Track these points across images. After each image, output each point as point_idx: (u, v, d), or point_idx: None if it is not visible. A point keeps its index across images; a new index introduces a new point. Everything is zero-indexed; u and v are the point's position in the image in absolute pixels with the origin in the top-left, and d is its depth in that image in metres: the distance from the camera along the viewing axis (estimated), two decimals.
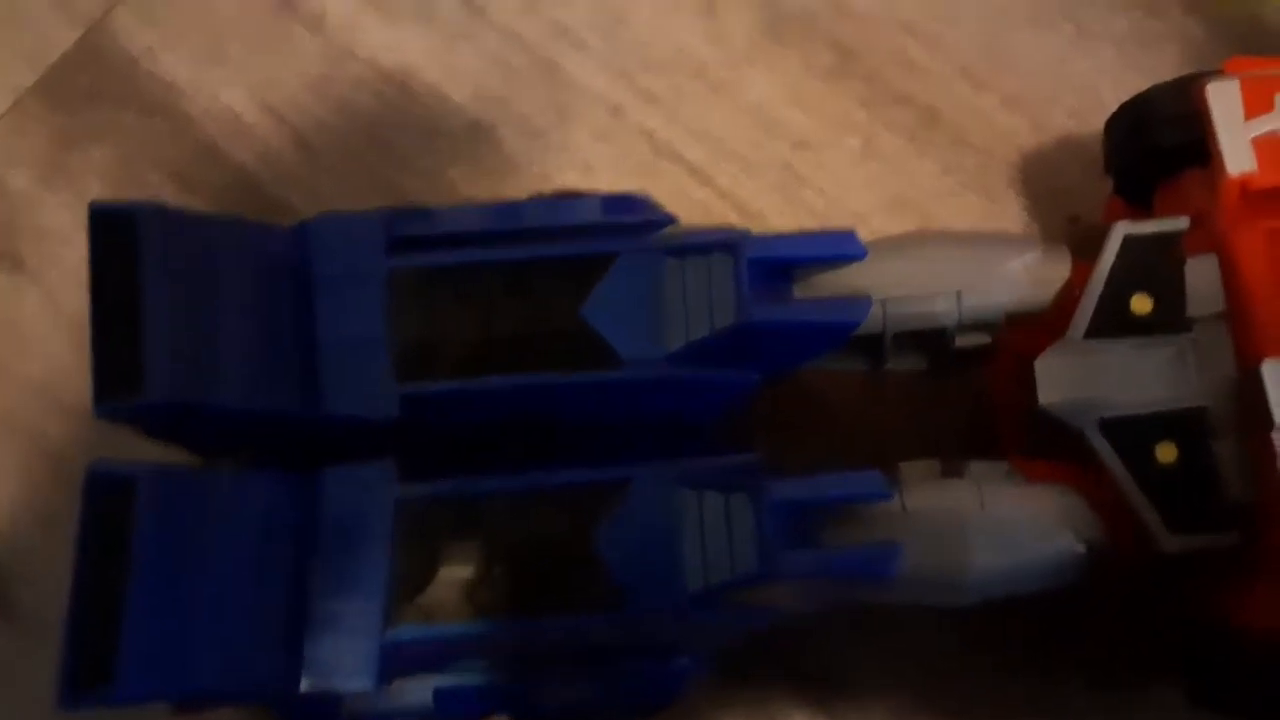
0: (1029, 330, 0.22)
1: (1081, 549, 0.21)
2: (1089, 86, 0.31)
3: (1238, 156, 0.21)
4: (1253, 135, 0.21)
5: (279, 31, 0.31)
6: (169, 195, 0.29)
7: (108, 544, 0.19)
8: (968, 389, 0.25)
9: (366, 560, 0.20)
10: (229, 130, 0.30)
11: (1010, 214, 0.30)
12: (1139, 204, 0.25)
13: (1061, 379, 0.21)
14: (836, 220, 0.27)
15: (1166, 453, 0.20)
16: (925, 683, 0.25)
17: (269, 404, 0.21)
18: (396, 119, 0.30)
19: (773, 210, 0.29)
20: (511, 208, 0.24)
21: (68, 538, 0.26)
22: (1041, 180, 0.30)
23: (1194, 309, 0.21)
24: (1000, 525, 0.21)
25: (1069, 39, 0.31)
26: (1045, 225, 0.29)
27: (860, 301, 0.21)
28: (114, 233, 0.20)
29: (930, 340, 0.23)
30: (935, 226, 0.29)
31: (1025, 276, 0.22)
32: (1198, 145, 0.22)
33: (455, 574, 0.21)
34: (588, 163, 0.30)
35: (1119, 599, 0.24)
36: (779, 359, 0.22)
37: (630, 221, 0.23)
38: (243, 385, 0.21)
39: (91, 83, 0.31)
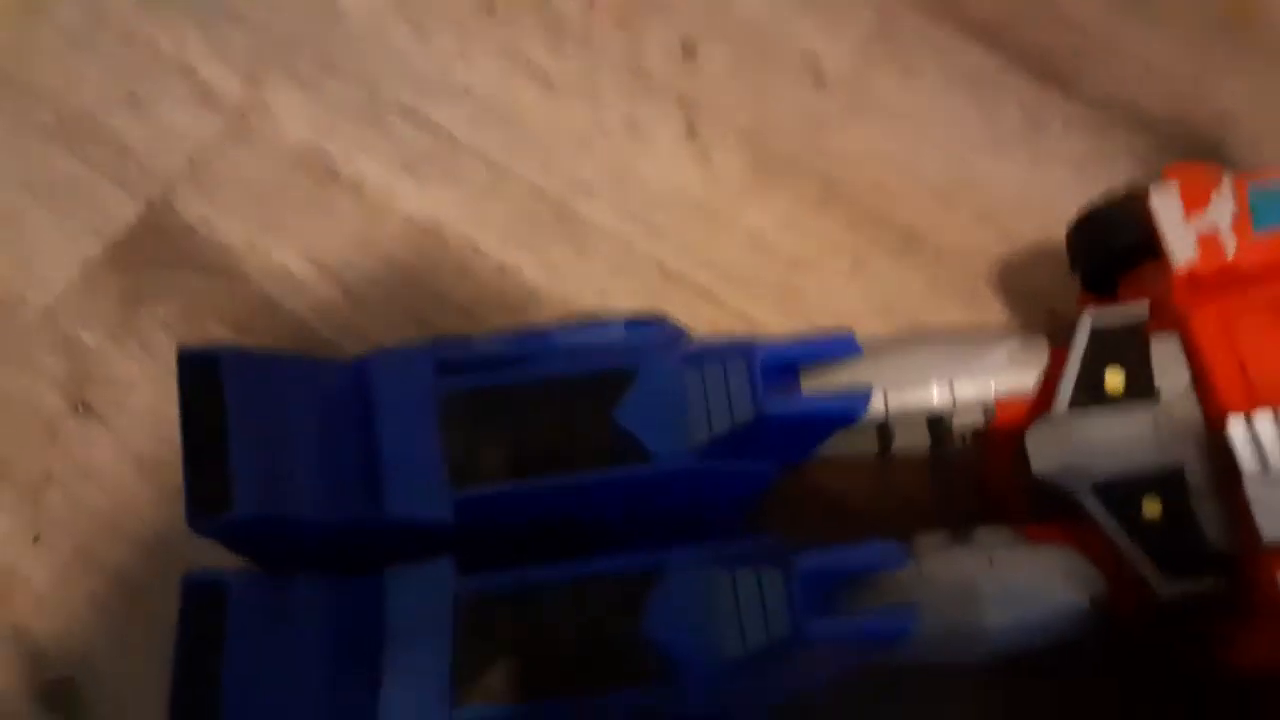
0: (1019, 411, 0.25)
1: (1085, 602, 0.23)
2: (1050, 201, 0.34)
3: (1182, 249, 0.24)
4: (1193, 231, 0.24)
5: (323, 198, 0.35)
6: (230, 342, 0.32)
7: (202, 646, 0.21)
8: (969, 469, 0.27)
9: (430, 651, 0.22)
10: (282, 285, 0.33)
11: (992, 315, 0.32)
12: (1106, 296, 0.28)
13: (1050, 447, 0.23)
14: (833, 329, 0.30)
15: (1152, 508, 0.23)
16: None
17: (340, 514, 0.23)
18: (431, 266, 0.33)
19: (775, 323, 0.32)
20: (542, 332, 0.27)
21: (143, 662, 0.28)
22: (1017, 284, 0.33)
23: (1162, 381, 0.24)
24: (1009, 583, 0.23)
25: (1027, 163, 0.35)
26: (1025, 322, 0.32)
27: (861, 391, 0.24)
28: (199, 372, 0.23)
29: (931, 427, 0.26)
30: (924, 329, 0.32)
31: (1008, 362, 0.25)
32: (1149, 242, 0.25)
33: (511, 661, 0.22)
34: (604, 290, 0.33)
35: (1132, 659, 0.26)
36: (792, 448, 0.24)
37: (653, 335, 0.26)
38: (316, 499, 0.23)
39: (154, 250, 0.34)
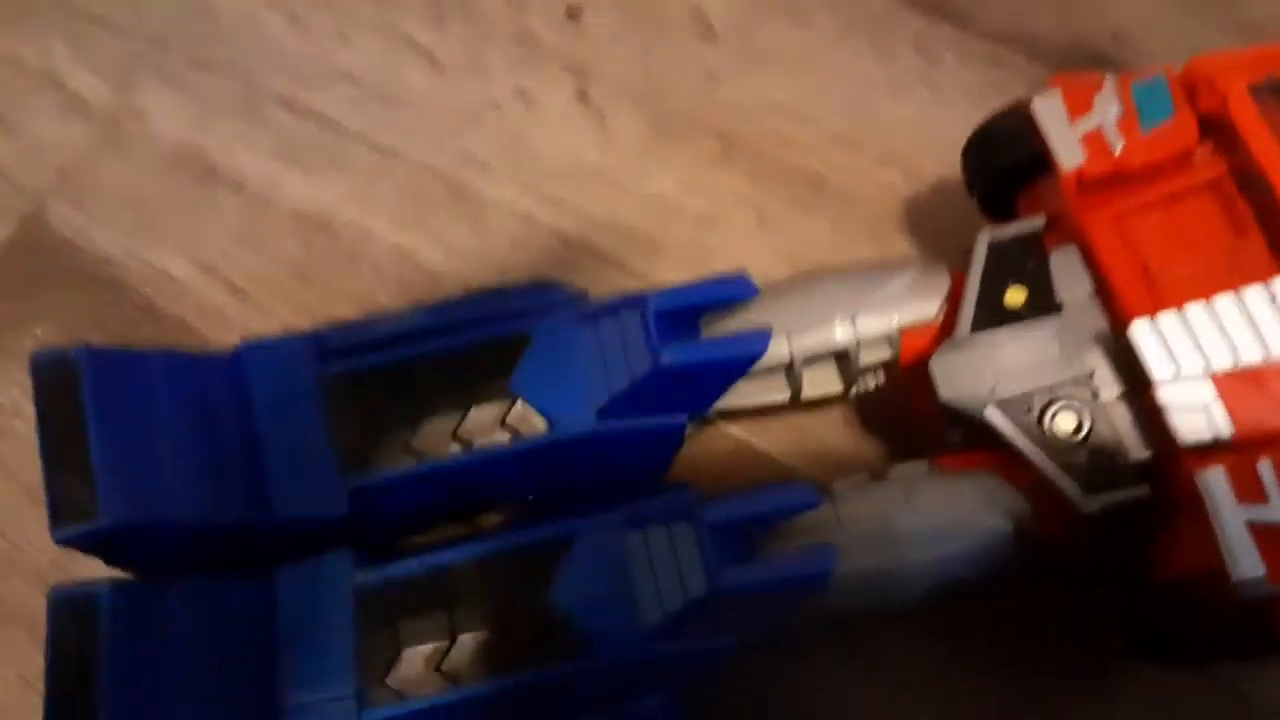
0: (926, 340, 0.24)
1: (1009, 526, 0.22)
2: (952, 135, 0.33)
3: (1069, 154, 0.23)
4: (1079, 133, 0.23)
5: (203, 197, 0.33)
6: None
7: (76, 664, 0.19)
8: (884, 411, 0.26)
9: (333, 649, 0.21)
10: (164, 290, 0.32)
11: (902, 253, 0.32)
12: (1008, 219, 0.28)
13: (956, 372, 0.22)
14: None
15: (1065, 422, 0.22)
16: (898, 696, 0.26)
17: (222, 515, 0.22)
18: (322, 256, 0.32)
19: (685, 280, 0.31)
20: (434, 307, 0.25)
21: None
22: (925, 222, 0.32)
23: (1064, 293, 0.23)
24: (928, 517, 0.22)
25: (926, 100, 0.34)
26: (935, 259, 0.32)
27: (761, 332, 0.23)
28: (55, 376, 0.22)
29: (840, 365, 0.25)
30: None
31: (909, 291, 0.24)
32: (1040, 156, 0.25)
33: (421, 649, 0.21)
34: (505, 267, 0.32)
35: (1064, 582, 0.25)
36: (698, 396, 0.23)
37: (544, 300, 0.25)
38: (193, 500, 0.22)
39: (30, 268, 0.32)
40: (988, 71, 0.35)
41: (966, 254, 0.31)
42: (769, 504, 0.21)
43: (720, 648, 0.21)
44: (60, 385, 0.21)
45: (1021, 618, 0.26)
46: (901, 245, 0.32)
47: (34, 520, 0.29)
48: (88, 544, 0.21)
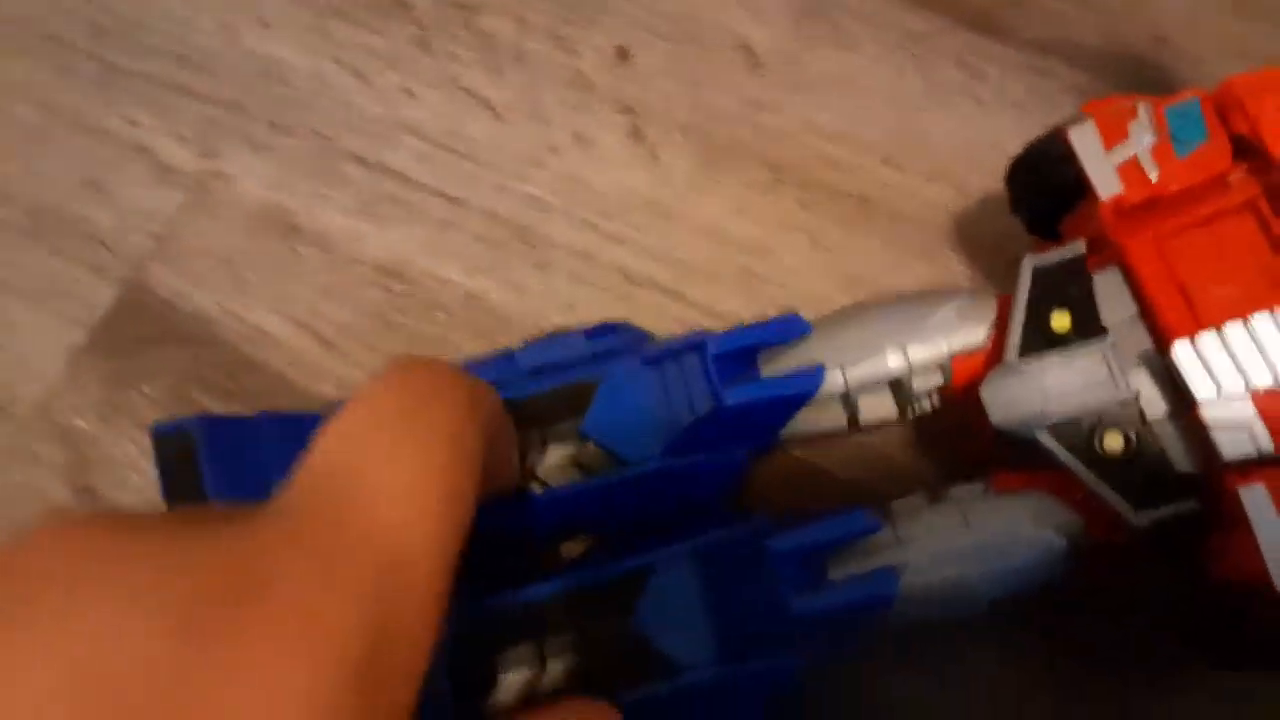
0: (976, 365, 0.25)
1: (1063, 541, 0.23)
2: (998, 147, 0.34)
3: (1106, 183, 0.24)
4: (1115, 163, 0.24)
5: (288, 253, 0.35)
6: (216, 409, 0.33)
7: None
8: (940, 430, 0.27)
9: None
10: (258, 345, 0.34)
11: (954, 271, 0.33)
12: (1053, 237, 0.28)
13: (1005, 399, 0.24)
14: (799, 308, 0.31)
15: (1114, 442, 0.23)
16: (972, 699, 0.27)
17: None
18: (400, 304, 0.34)
19: (742, 311, 0.33)
20: (506, 355, 0.27)
21: None
22: (975, 237, 0.33)
23: (1108, 316, 0.24)
24: (985, 536, 0.23)
25: (972, 114, 0.35)
26: (987, 273, 0.33)
27: (815, 370, 0.24)
28: (174, 447, 0.24)
29: (894, 392, 0.26)
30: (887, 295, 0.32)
31: (957, 319, 0.25)
32: (1080, 180, 0.25)
33: (515, 676, 0.23)
34: (570, 304, 0.33)
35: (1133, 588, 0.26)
36: (758, 431, 0.25)
37: (611, 344, 0.26)
38: None
39: (134, 329, 0.35)
40: (1031, 82, 0.36)
41: (1015, 267, 0.33)
42: (832, 531, 0.23)
43: (788, 668, 0.23)
44: (181, 456, 0.24)
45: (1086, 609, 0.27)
46: (953, 261, 0.33)
47: None
48: None
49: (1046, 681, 0.27)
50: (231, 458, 0.24)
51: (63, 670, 0.12)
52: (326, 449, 0.17)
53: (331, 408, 0.26)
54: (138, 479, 0.33)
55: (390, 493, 0.16)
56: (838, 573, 0.23)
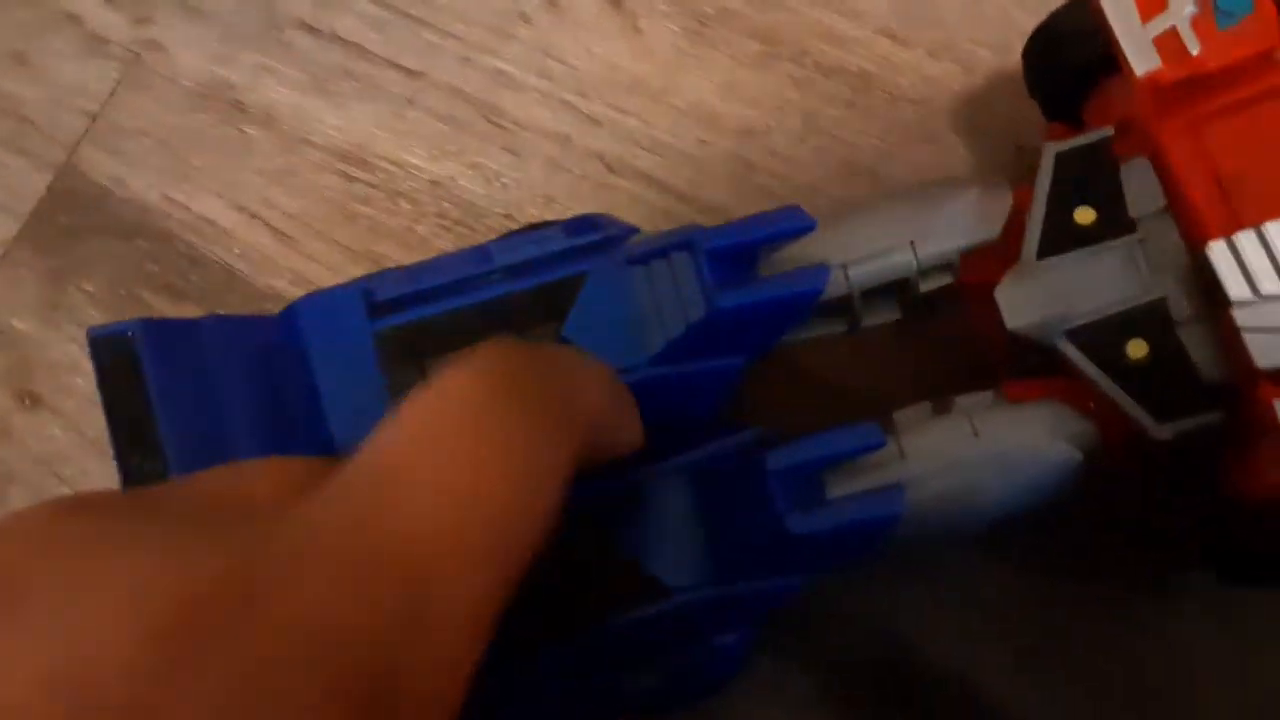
0: (991, 261, 0.23)
1: (1079, 455, 0.22)
2: (1006, 21, 0.32)
3: (1142, 57, 0.22)
4: (1152, 35, 0.22)
5: (233, 135, 0.32)
6: (164, 307, 0.31)
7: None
8: (945, 330, 0.26)
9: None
10: (207, 236, 0.31)
11: (957, 156, 0.31)
12: (1072, 123, 0.26)
13: (1023, 301, 0.22)
14: (793, 199, 0.28)
15: (1137, 349, 0.21)
16: (969, 615, 0.26)
17: None
18: (359, 191, 0.31)
19: (731, 201, 0.30)
20: (479, 251, 0.25)
21: None
22: (981, 118, 0.31)
23: (1136, 209, 0.22)
24: (996, 448, 0.22)
25: None
26: (993, 160, 0.30)
27: (819, 269, 0.22)
28: (114, 353, 0.22)
29: (899, 292, 0.24)
30: (887, 184, 0.30)
31: (970, 214, 0.23)
32: (1108, 56, 0.23)
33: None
34: (548, 195, 0.31)
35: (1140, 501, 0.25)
36: (756, 338, 0.23)
37: (594, 240, 0.24)
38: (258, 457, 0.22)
39: (70, 219, 0.32)
40: None
41: (1020, 154, 0.31)
42: (834, 447, 0.21)
43: (787, 587, 0.22)
44: (120, 362, 0.21)
45: (1089, 525, 0.26)
46: (959, 146, 0.31)
47: (99, 475, 0.30)
48: None
49: (1047, 595, 0.26)
50: (176, 364, 0.22)
51: (45, 668, 0.12)
52: (379, 448, 0.15)
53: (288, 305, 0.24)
54: (83, 383, 0.31)
55: (436, 514, 0.14)
56: (837, 489, 0.22)
